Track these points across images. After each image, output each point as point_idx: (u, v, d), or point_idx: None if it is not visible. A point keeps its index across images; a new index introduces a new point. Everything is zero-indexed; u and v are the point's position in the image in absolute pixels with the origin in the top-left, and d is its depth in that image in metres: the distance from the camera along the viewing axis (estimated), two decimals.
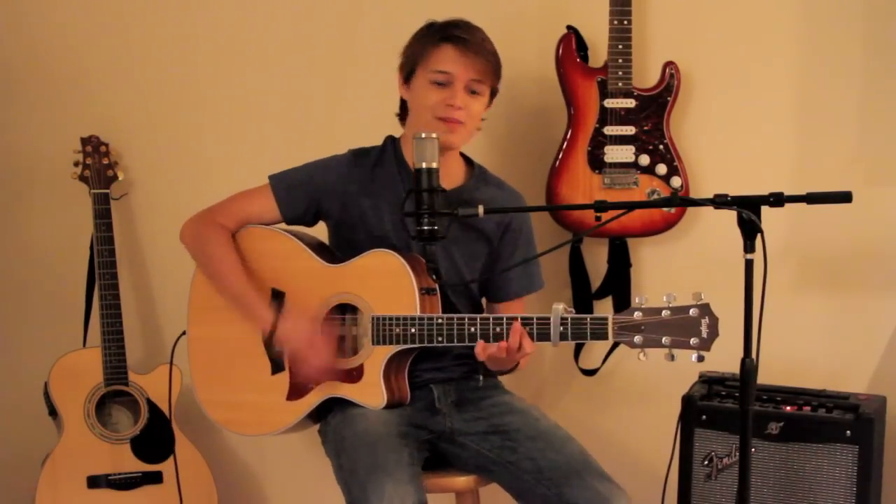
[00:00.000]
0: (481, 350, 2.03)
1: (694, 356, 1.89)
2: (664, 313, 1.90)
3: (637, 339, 1.92)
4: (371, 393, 2.14)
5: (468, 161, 2.34)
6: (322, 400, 2.18)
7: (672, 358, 1.90)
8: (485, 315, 2.05)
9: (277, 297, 2.23)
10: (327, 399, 2.18)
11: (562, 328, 1.97)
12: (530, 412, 2.22)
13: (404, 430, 2.13)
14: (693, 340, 1.89)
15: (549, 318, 1.97)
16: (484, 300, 2.38)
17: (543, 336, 1.99)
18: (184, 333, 2.33)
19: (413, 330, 2.08)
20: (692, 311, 1.89)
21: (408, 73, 2.23)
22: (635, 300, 1.93)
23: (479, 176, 2.32)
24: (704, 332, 1.88)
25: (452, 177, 2.24)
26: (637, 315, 1.92)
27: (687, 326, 1.89)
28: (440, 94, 2.16)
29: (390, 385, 2.14)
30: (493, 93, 2.25)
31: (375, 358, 2.13)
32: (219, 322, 2.26)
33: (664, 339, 1.90)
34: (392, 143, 2.32)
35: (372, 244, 2.19)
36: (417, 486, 2.00)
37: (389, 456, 2.01)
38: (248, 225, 2.28)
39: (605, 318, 1.94)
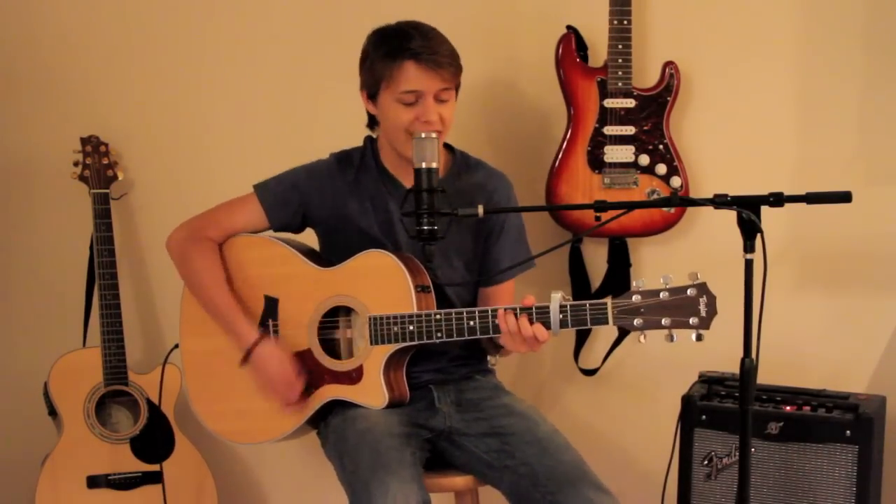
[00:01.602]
0: (502, 319, 2.01)
1: (693, 335, 1.90)
2: (662, 295, 1.91)
3: (637, 321, 1.92)
4: (372, 393, 2.14)
5: (449, 148, 2.33)
6: (323, 403, 2.18)
7: (672, 339, 1.91)
8: (483, 308, 2.05)
9: (270, 303, 2.23)
10: (327, 402, 2.18)
11: (561, 315, 1.97)
12: (530, 415, 2.21)
13: (405, 430, 2.13)
14: (693, 320, 1.90)
15: (548, 307, 1.98)
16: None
17: (544, 325, 1.99)
18: (176, 346, 2.33)
19: (412, 327, 2.08)
20: (690, 291, 1.90)
21: (372, 92, 2.19)
22: (633, 284, 1.94)
23: (461, 162, 2.31)
24: (703, 310, 1.89)
25: None
26: (636, 298, 1.92)
27: (686, 306, 1.90)
28: (411, 113, 2.13)
29: (390, 384, 2.14)
30: (458, 86, 2.23)
31: (375, 358, 2.13)
32: (213, 333, 2.25)
33: (664, 321, 1.91)
34: (371, 144, 2.31)
35: (362, 245, 2.19)
36: (420, 485, 2.00)
37: (392, 455, 2.01)
38: (237, 234, 2.28)
39: (605, 303, 1.95)
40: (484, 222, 2.28)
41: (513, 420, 2.19)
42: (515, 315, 2.00)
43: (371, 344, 2.12)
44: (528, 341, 2.00)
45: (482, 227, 2.29)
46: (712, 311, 1.89)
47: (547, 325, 1.98)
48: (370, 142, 2.32)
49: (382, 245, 2.21)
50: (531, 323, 1.99)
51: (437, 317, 2.07)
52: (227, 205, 2.31)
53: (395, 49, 2.11)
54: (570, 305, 1.97)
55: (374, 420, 2.11)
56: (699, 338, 1.89)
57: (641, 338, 1.92)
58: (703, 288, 1.90)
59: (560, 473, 2.04)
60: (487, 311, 2.04)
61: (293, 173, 2.30)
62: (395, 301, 2.10)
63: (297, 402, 2.18)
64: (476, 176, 2.31)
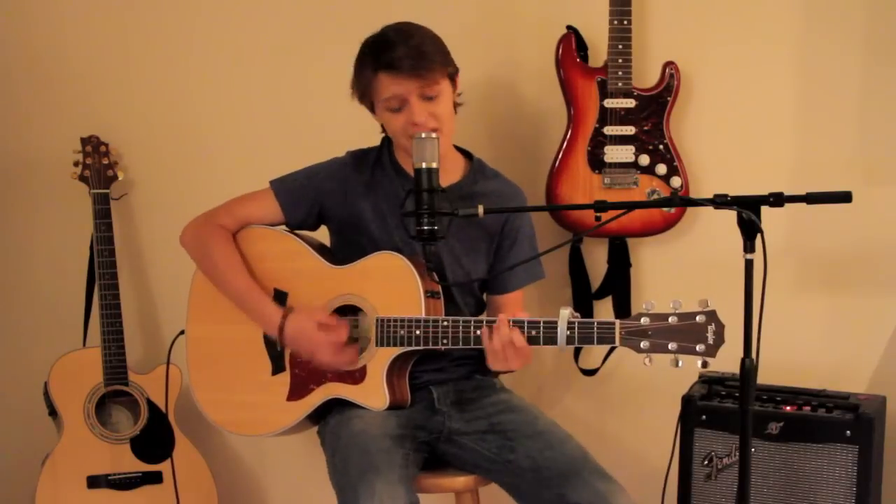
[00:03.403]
0: (485, 336, 2.02)
1: (699, 362, 1.90)
2: (671, 319, 1.91)
3: (644, 344, 1.93)
4: (373, 394, 2.14)
5: (466, 154, 2.34)
6: (323, 401, 2.18)
7: (677, 364, 1.91)
8: (490, 318, 2.05)
9: (280, 297, 2.23)
10: (328, 400, 2.18)
11: (568, 332, 1.97)
12: (529, 410, 2.22)
13: (401, 433, 2.13)
14: (699, 347, 1.90)
15: (555, 322, 1.98)
16: (483, 294, 2.39)
17: (550, 340, 1.99)
18: (182, 333, 2.33)
19: (418, 332, 2.08)
20: (699, 318, 1.90)
21: (368, 105, 2.23)
22: (642, 306, 1.94)
23: (478, 169, 2.33)
24: (710, 338, 1.90)
25: (451, 172, 2.24)
26: (644, 321, 1.93)
27: (693, 333, 1.90)
28: (401, 119, 2.15)
29: (392, 387, 2.14)
30: (453, 76, 2.22)
31: (379, 359, 2.13)
32: (219, 321, 2.26)
33: (671, 345, 1.91)
34: (388, 144, 2.32)
35: (375, 244, 2.20)
36: (408, 488, 1.99)
37: (382, 457, 2.01)
38: (250, 225, 2.28)
39: (613, 324, 1.95)
40: (499, 231, 2.29)
41: (512, 416, 2.20)
42: (523, 329, 2.00)
43: (377, 345, 2.12)
44: (506, 346, 1.99)
45: (495, 239, 2.30)
46: (720, 339, 1.89)
47: (553, 341, 1.98)
48: (387, 141, 2.33)
49: (396, 244, 2.21)
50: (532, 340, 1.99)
51: (445, 323, 2.07)
52: (242, 198, 2.31)
53: (370, 63, 2.15)
54: (578, 323, 1.97)
55: (369, 421, 2.11)
56: (704, 365, 1.90)
57: (647, 360, 1.93)
58: (712, 315, 1.90)
59: (563, 464, 2.05)
60: (494, 321, 2.03)
61: (309, 170, 2.31)
62: (404, 304, 2.11)
63: (350, 354, 2.14)
64: (493, 184, 2.32)
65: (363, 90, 2.19)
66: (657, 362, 2.75)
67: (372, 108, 2.23)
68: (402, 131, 2.16)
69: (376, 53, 2.14)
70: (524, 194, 2.37)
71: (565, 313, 1.98)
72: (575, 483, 2.01)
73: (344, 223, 2.28)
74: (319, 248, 2.28)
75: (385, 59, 2.12)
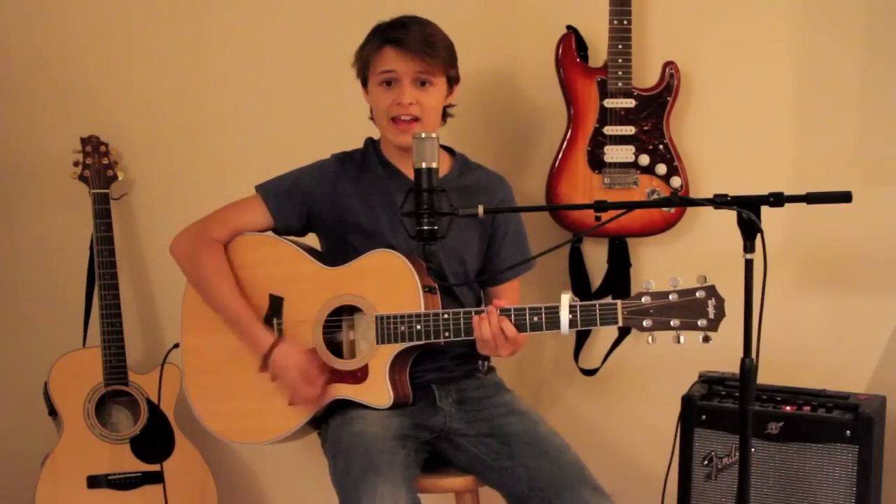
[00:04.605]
0: (476, 325, 2.05)
1: (701, 337, 1.92)
2: (671, 297, 1.94)
3: (646, 322, 1.95)
4: (377, 392, 2.14)
5: (449, 151, 2.36)
6: (327, 403, 2.18)
7: (679, 340, 1.93)
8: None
9: (276, 302, 2.23)
10: (330, 401, 2.18)
11: (570, 315, 1.98)
12: (530, 415, 2.21)
13: (402, 433, 2.13)
14: (701, 322, 1.92)
15: (557, 307, 1.99)
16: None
17: (553, 325, 1.99)
18: (176, 346, 2.32)
19: (419, 327, 2.09)
20: (699, 294, 1.93)
21: (363, 80, 2.27)
22: (642, 285, 1.96)
23: (462, 163, 2.35)
24: (712, 312, 1.92)
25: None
26: (645, 300, 1.95)
27: (694, 308, 1.93)
28: (390, 95, 2.19)
29: (395, 384, 2.14)
30: (452, 81, 2.26)
31: (380, 357, 2.13)
32: (215, 331, 2.25)
33: (673, 322, 1.93)
34: (372, 144, 2.33)
35: (368, 243, 2.20)
36: (410, 488, 2.00)
37: (384, 457, 2.01)
38: (243, 233, 2.27)
39: (615, 304, 1.96)
40: (489, 225, 2.31)
41: (513, 419, 2.19)
42: (520, 317, 2.01)
43: (377, 343, 2.12)
44: (496, 335, 2.02)
45: (487, 229, 2.31)
46: (720, 313, 1.92)
47: (556, 326, 1.99)
48: (371, 142, 2.33)
49: (389, 242, 2.21)
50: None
51: (445, 316, 2.08)
52: (230, 206, 2.31)
53: (380, 35, 2.20)
54: (580, 306, 1.99)
55: (370, 422, 2.11)
56: (706, 339, 1.92)
57: (650, 339, 1.94)
58: (711, 290, 1.93)
59: (558, 476, 2.05)
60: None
61: (295, 174, 2.31)
62: (403, 301, 2.11)
63: (319, 399, 2.17)
64: (477, 176, 2.34)
65: (364, 61, 2.23)
66: (655, 362, 2.76)
67: (365, 83, 2.26)
68: (385, 110, 2.20)
69: (387, 30, 2.20)
70: (508, 182, 2.39)
71: (566, 297, 1.99)
72: (568, 496, 2.01)
73: (335, 225, 2.28)
74: (312, 252, 2.28)
75: (395, 35, 2.17)
